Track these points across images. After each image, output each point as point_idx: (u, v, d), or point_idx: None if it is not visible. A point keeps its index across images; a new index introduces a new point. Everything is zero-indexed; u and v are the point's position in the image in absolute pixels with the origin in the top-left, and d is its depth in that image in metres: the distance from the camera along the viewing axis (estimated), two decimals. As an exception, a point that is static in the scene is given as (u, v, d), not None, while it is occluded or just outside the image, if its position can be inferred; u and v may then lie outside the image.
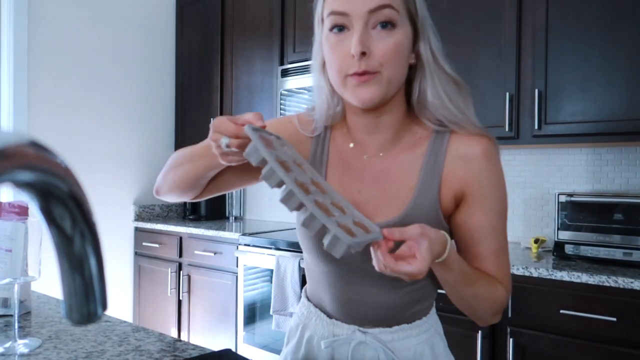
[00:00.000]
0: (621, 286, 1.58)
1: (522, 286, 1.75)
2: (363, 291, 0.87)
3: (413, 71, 0.85)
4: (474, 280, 0.81)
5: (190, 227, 2.89)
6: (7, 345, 0.93)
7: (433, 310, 0.94)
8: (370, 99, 0.78)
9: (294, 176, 0.71)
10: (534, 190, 2.33)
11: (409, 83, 0.86)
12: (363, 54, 0.76)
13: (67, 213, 0.35)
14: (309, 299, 0.98)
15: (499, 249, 0.86)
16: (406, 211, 0.83)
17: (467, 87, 0.86)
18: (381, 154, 0.87)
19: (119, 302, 3.18)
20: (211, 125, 0.77)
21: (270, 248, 2.45)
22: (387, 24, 0.77)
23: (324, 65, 0.86)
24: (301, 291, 2.23)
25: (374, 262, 0.71)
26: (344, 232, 0.66)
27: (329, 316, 0.92)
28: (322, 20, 0.83)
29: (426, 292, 0.90)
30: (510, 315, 1.77)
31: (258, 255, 2.49)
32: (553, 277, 1.70)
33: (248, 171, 0.90)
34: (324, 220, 0.66)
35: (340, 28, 0.79)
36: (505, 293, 0.85)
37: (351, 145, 0.90)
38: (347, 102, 0.86)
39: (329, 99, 0.90)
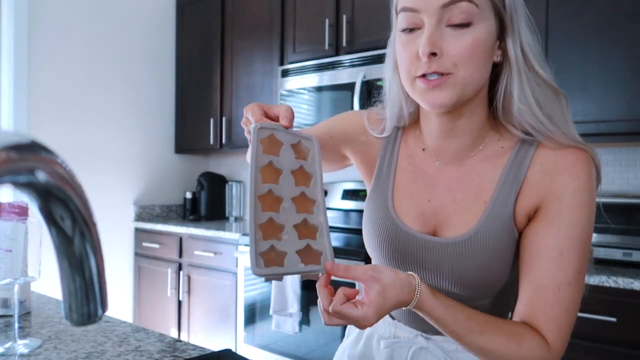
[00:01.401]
0: (621, 286, 1.58)
1: (522, 286, 1.75)
2: None
3: (498, 70, 0.75)
4: (477, 331, 0.69)
5: (190, 227, 2.89)
6: (7, 345, 0.93)
7: None
8: (440, 104, 0.71)
9: (268, 188, 0.71)
10: (534, 190, 2.33)
11: (493, 84, 0.77)
12: (433, 54, 0.68)
13: (67, 213, 0.35)
14: None
15: (563, 283, 0.70)
16: (476, 228, 0.75)
17: (566, 95, 0.76)
18: (456, 162, 0.80)
19: (119, 303, 3.18)
20: (245, 109, 0.76)
21: (270, 248, 2.45)
22: (463, 22, 0.68)
23: (397, 63, 0.78)
24: (301, 292, 2.24)
25: (319, 299, 0.68)
26: (263, 260, 0.67)
27: (392, 317, 0.89)
28: (397, 14, 0.75)
29: (499, 311, 0.81)
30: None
31: (258, 256, 2.49)
32: (553, 277, 1.70)
33: (330, 157, 0.92)
34: (251, 243, 0.67)
35: (411, 29, 0.71)
36: (544, 350, 0.69)
37: (423, 149, 0.83)
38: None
39: (402, 99, 0.83)
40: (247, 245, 2.55)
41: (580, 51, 1.91)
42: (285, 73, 2.74)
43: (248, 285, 2.59)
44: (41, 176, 0.32)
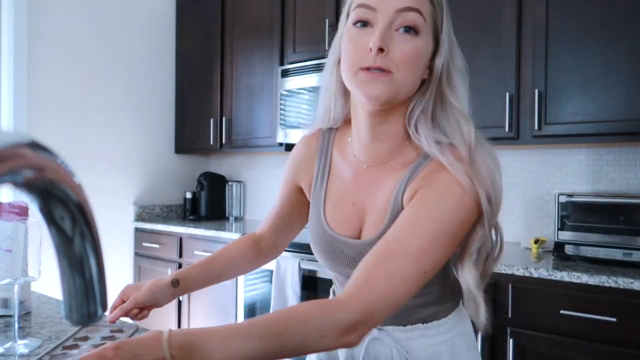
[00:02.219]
0: (621, 286, 1.58)
1: (522, 287, 1.75)
2: None
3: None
4: (279, 331, 0.64)
5: (190, 227, 2.89)
6: (7, 345, 0.93)
7: (457, 311, 0.90)
8: (375, 96, 0.75)
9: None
10: (534, 190, 2.33)
11: None
12: (382, 50, 0.73)
13: (67, 213, 0.35)
14: (334, 294, 1.01)
15: (400, 250, 0.69)
16: (381, 229, 0.80)
17: (472, 122, 0.78)
18: (377, 165, 0.84)
19: (119, 303, 3.18)
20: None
21: (270, 248, 2.45)
22: (411, 29, 0.74)
23: (338, 62, 0.83)
24: (301, 292, 2.24)
25: None
26: None
27: None
28: (348, 14, 0.80)
29: (439, 297, 0.86)
30: (510, 315, 1.77)
31: (258, 256, 2.49)
32: (553, 278, 1.70)
33: (291, 226, 1.03)
34: None
35: (364, 23, 0.76)
36: (332, 307, 0.66)
37: (353, 153, 0.88)
38: (354, 103, 0.84)
39: (334, 98, 0.89)
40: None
41: (580, 51, 1.91)
42: (285, 73, 2.74)
43: (248, 285, 2.59)
44: (41, 176, 0.32)
